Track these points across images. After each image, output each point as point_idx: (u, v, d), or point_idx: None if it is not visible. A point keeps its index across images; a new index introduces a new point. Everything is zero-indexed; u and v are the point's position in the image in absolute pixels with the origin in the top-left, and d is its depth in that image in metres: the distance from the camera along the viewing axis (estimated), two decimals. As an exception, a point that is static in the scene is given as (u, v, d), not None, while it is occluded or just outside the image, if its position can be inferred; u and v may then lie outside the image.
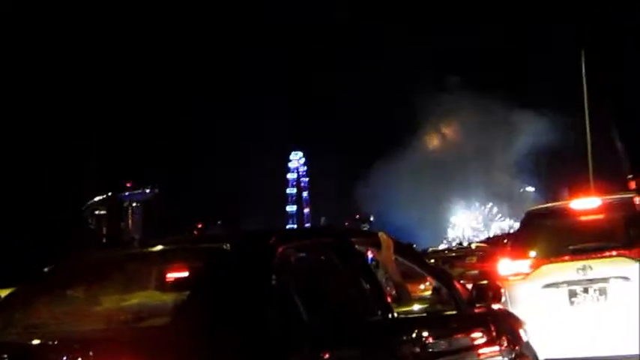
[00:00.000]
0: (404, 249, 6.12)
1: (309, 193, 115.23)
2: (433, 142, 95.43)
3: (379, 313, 5.05)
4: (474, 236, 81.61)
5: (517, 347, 6.46)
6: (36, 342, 4.02)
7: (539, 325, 7.94)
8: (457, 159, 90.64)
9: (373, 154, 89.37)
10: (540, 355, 7.04)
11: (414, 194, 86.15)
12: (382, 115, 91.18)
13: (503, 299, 6.95)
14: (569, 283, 8.70)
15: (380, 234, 5.81)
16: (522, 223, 10.13)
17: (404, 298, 5.72)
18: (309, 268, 5.05)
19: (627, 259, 8.56)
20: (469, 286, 6.50)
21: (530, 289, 8.85)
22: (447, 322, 5.94)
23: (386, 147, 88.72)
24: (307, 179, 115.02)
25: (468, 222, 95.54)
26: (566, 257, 8.88)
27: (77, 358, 3.58)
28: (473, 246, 29.11)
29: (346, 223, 76.62)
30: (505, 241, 26.37)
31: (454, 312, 5.98)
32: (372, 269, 5.68)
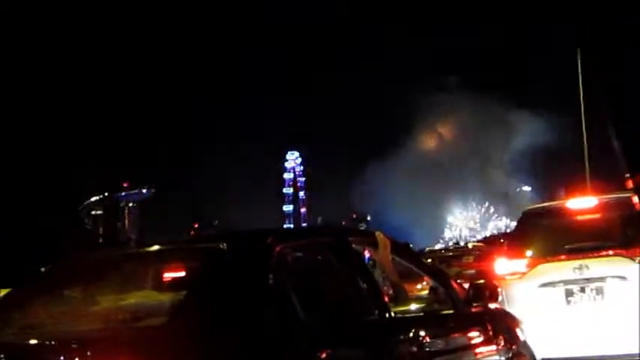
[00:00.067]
0: (401, 248, 6.13)
1: (305, 193, 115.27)
2: (430, 141, 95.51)
3: (376, 312, 5.05)
4: (470, 236, 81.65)
5: (514, 346, 6.46)
6: (33, 342, 4.02)
7: (536, 325, 7.94)
8: (454, 158, 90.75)
9: (370, 154, 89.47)
10: (537, 354, 7.05)
11: (411, 194, 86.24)
12: (380, 115, 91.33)
13: (500, 298, 6.96)
14: (566, 282, 8.70)
15: (377, 233, 5.81)
16: (519, 223, 10.13)
17: (401, 297, 5.72)
18: (306, 268, 5.05)
19: (624, 259, 8.56)
20: (466, 285, 6.50)
21: (526, 288, 8.86)
22: (444, 321, 5.95)
23: (383, 146, 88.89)
24: (304, 179, 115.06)
25: (464, 221, 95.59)
26: (563, 256, 8.88)
27: (74, 358, 3.58)
28: (470, 245, 29.12)
29: (343, 223, 76.68)
30: (502, 240, 26.39)
31: (451, 311, 5.99)
32: (369, 269, 5.69)
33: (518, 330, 6.76)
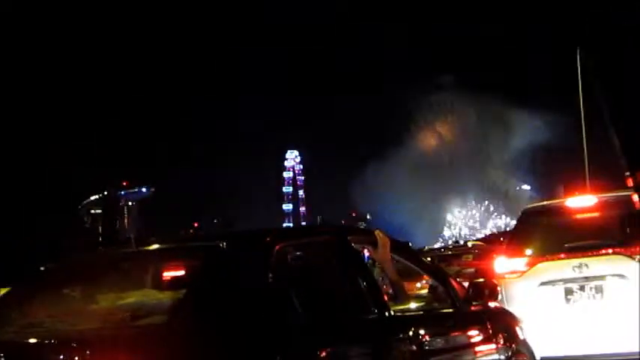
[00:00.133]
0: (400, 247, 6.13)
1: (305, 192, 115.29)
2: (430, 140, 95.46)
3: (376, 311, 5.05)
4: (470, 235, 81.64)
5: (513, 345, 6.46)
6: (33, 341, 4.02)
7: (536, 323, 7.94)
8: (454, 158, 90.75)
9: (370, 153, 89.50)
10: (537, 353, 7.05)
11: (411, 192, 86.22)
12: (380, 114, 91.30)
13: (499, 297, 6.95)
14: (566, 281, 8.70)
15: (376, 232, 5.81)
16: (518, 221, 10.12)
17: (400, 296, 5.72)
18: (306, 267, 5.05)
19: (624, 257, 8.56)
20: (465, 284, 6.50)
21: (526, 287, 8.85)
22: (443, 320, 5.95)
23: (383, 146, 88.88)
24: (303, 178, 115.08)
25: (464, 220, 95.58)
26: (563, 255, 8.87)
27: (74, 357, 3.58)
28: (469, 244, 29.06)
29: (343, 222, 76.67)
30: (501, 239, 26.37)
31: (451, 310, 5.99)
32: (369, 267, 5.69)
33: (517, 329, 6.76)
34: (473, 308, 6.16)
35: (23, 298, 4.77)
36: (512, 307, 7.79)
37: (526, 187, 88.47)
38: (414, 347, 5.10)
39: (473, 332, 6.06)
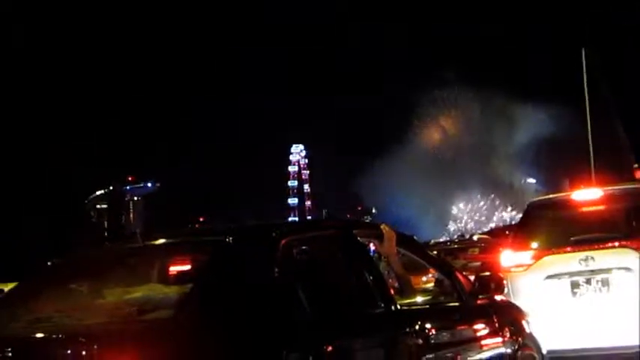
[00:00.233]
0: (406, 241, 6.13)
1: (310, 186, 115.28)
2: (434, 134, 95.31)
3: (382, 305, 5.05)
4: (476, 228, 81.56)
5: (520, 338, 6.47)
6: (40, 336, 4.03)
7: (542, 317, 7.94)
8: (458, 151, 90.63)
9: (375, 147, 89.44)
10: (543, 346, 7.04)
11: (416, 186, 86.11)
12: (384, 109, 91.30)
13: (505, 291, 6.95)
14: (572, 274, 8.68)
15: (382, 226, 5.81)
16: (524, 215, 10.10)
17: (406, 290, 5.73)
18: (312, 261, 5.05)
19: (630, 250, 8.54)
20: (471, 277, 6.50)
21: (532, 280, 8.84)
22: (449, 313, 5.95)
23: (388, 140, 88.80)
24: (308, 172, 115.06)
25: (469, 213, 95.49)
26: (569, 248, 8.85)
27: (81, 351, 3.59)
28: (475, 237, 29.01)
29: (348, 216, 76.67)
30: (507, 232, 26.34)
31: (457, 303, 5.99)
32: (375, 261, 5.69)
33: (524, 322, 6.76)
34: (479, 302, 6.16)
35: (30, 293, 4.78)
36: (518, 301, 7.79)
37: (531, 180, 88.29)
38: (421, 341, 5.11)
39: (479, 326, 6.06)
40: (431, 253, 7.23)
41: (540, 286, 8.77)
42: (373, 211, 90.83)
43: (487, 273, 6.52)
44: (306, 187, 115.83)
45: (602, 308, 8.53)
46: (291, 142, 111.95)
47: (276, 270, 4.44)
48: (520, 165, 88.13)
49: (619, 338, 8.39)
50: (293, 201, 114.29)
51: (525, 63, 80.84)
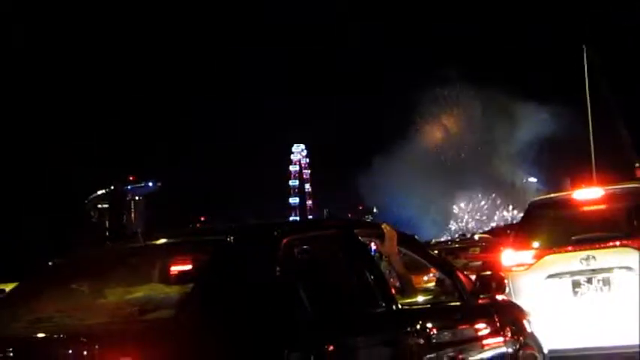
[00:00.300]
0: (407, 240, 6.13)
1: (311, 185, 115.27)
2: (436, 133, 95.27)
3: (383, 304, 5.05)
4: (477, 228, 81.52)
5: (521, 338, 6.46)
6: (41, 335, 4.03)
7: (543, 316, 7.94)
8: (460, 150, 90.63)
9: (376, 147, 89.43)
10: (545, 345, 7.04)
11: (417, 186, 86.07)
12: (385, 108, 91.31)
13: (506, 290, 6.95)
14: (573, 273, 8.69)
15: (383, 225, 5.81)
16: (525, 214, 10.10)
17: (407, 289, 5.72)
18: (313, 260, 5.05)
19: (631, 250, 8.54)
20: (473, 276, 6.50)
21: (533, 279, 8.84)
22: (450, 313, 5.95)
23: (389, 139, 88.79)
24: (309, 171, 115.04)
25: (470, 213, 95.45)
26: (570, 248, 8.86)
27: (82, 351, 3.59)
28: (476, 237, 29.01)
29: (349, 215, 76.66)
30: (508, 231, 26.33)
31: (458, 303, 5.99)
32: (376, 261, 5.69)
33: (525, 321, 6.76)
34: (480, 301, 6.16)
35: (31, 293, 4.78)
36: (519, 300, 7.79)
37: (533, 179, 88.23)
38: (422, 340, 5.11)
39: (480, 325, 6.06)
40: (432, 253, 7.23)
41: (541, 286, 8.77)
42: (374, 210, 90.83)
43: (488, 272, 6.52)
44: (307, 186, 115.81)
45: (603, 307, 8.53)
46: (291, 142, 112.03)
47: (278, 269, 4.44)
48: (521, 164, 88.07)
49: (620, 337, 8.39)
50: (294, 200, 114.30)
51: (526, 62, 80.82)
